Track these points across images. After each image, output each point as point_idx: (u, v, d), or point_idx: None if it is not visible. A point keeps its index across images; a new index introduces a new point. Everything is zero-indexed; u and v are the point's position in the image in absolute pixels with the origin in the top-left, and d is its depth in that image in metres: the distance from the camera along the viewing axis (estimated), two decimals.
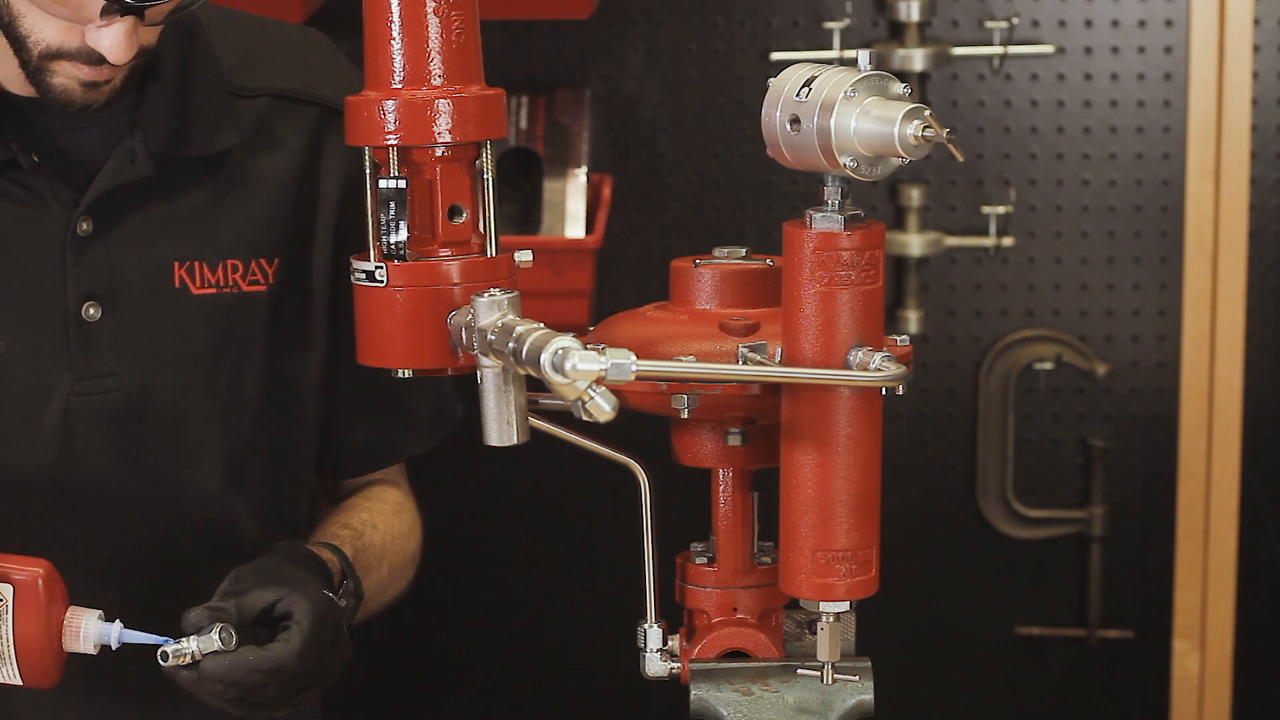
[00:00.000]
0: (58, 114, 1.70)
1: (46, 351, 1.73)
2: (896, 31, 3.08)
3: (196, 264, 1.77)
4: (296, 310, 1.82)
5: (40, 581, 1.61)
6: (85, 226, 1.72)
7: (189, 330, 1.77)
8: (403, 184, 1.53)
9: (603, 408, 1.31)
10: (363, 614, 1.79)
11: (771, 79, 1.40)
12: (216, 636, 1.58)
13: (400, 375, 1.56)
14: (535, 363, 1.32)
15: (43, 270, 1.72)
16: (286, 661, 1.60)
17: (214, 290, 1.77)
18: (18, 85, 1.69)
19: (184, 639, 1.59)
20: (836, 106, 1.34)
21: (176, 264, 1.76)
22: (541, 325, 1.37)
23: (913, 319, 3.15)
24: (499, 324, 1.41)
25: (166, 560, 1.79)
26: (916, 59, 3.03)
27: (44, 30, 1.62)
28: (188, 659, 1.58)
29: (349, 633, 1.71)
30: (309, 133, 1.81)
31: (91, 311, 1.73)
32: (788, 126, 1.37)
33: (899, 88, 1.36)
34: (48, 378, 1.73)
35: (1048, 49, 3.09)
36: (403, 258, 1.53)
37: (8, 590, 1.60)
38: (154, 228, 1.75)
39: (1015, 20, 3.08)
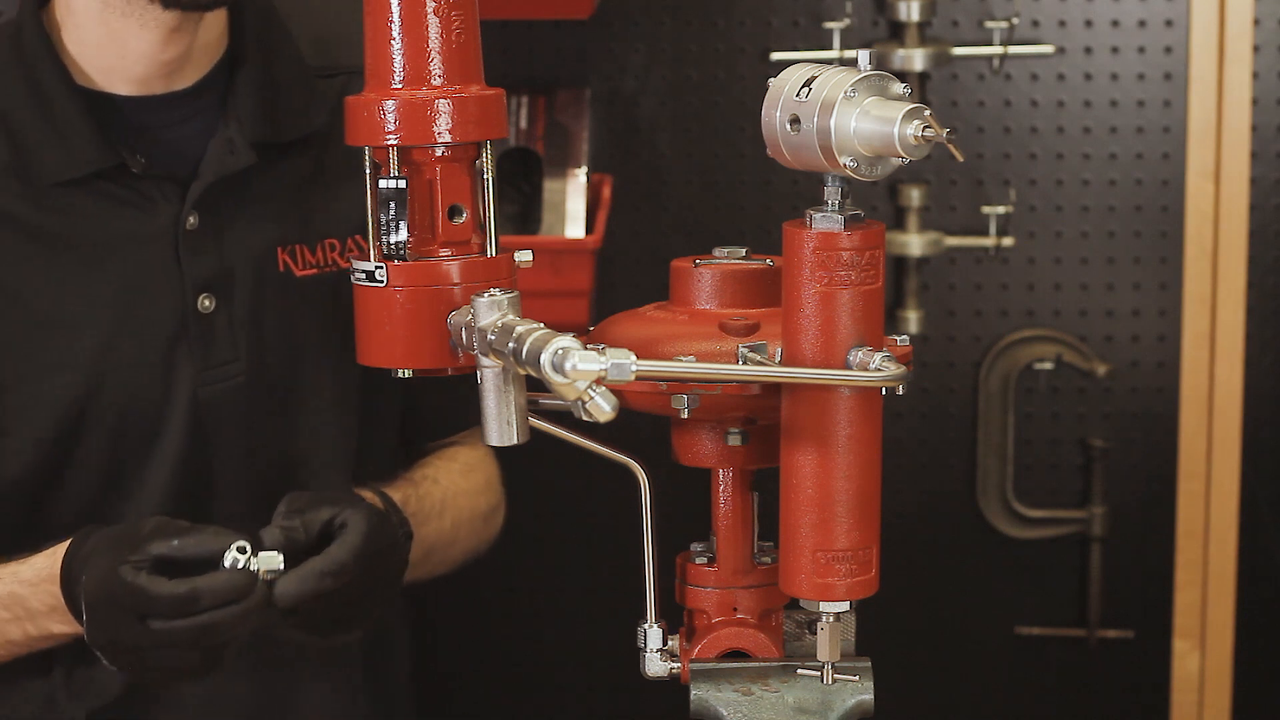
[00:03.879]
0: (159, 110, 1.74)
1: (169, 346, 1.75)
2: (896, 31, 3.08)
3: (298, 247, 1.81)
4: None
5: None
6: (193, 220, 1.75)
7: (296, 312, 1.80)
8: (403, 184, 1.53)
9: (603, 408, 1.31)
10: (431, 566, 1.83)
11: (771, 79, 1.40)
12: (279, 555, 1.57)
13: (400, 375, 1.56)
14: (535, 363, 1.32)
15: (157, 267, 1.75)
16: (347, 559, 1.60)
17: (315, 270, 1.82)
18: (120, 81, 1.71)
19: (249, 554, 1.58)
20: (836, 106, 1.34)
21: (280, 248, 1.80)
22: (541, 325, 1.37)
23: (913, 319, 3.15)
24: (499, 324, 1.41)
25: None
26: (916, 59, 3.03)
27: None
28: (243, 561, 1.56)
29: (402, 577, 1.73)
30: None
31: (206, 303, 1.76)
32: (788, 126, 1.37)
33: (899, 88, 1.36)
34: (173, 372, 1.76)
35: (1048, 49, 3.09)
36: (403, 258, 1.53)
37: None
38: (256, 214, 1.79)
39: (1015, 20, 3.08)
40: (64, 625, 1.65)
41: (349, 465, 1.86)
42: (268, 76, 1.78)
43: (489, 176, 1.56)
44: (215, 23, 1.76)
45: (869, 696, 1.52)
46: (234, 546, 1.56)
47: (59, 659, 1.79)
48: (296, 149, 1.80)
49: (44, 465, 1.74)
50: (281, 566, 1.57)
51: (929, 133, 1.31)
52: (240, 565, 1.56)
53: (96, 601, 1.57)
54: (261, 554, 1.57)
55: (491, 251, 1.56)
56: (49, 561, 1.65)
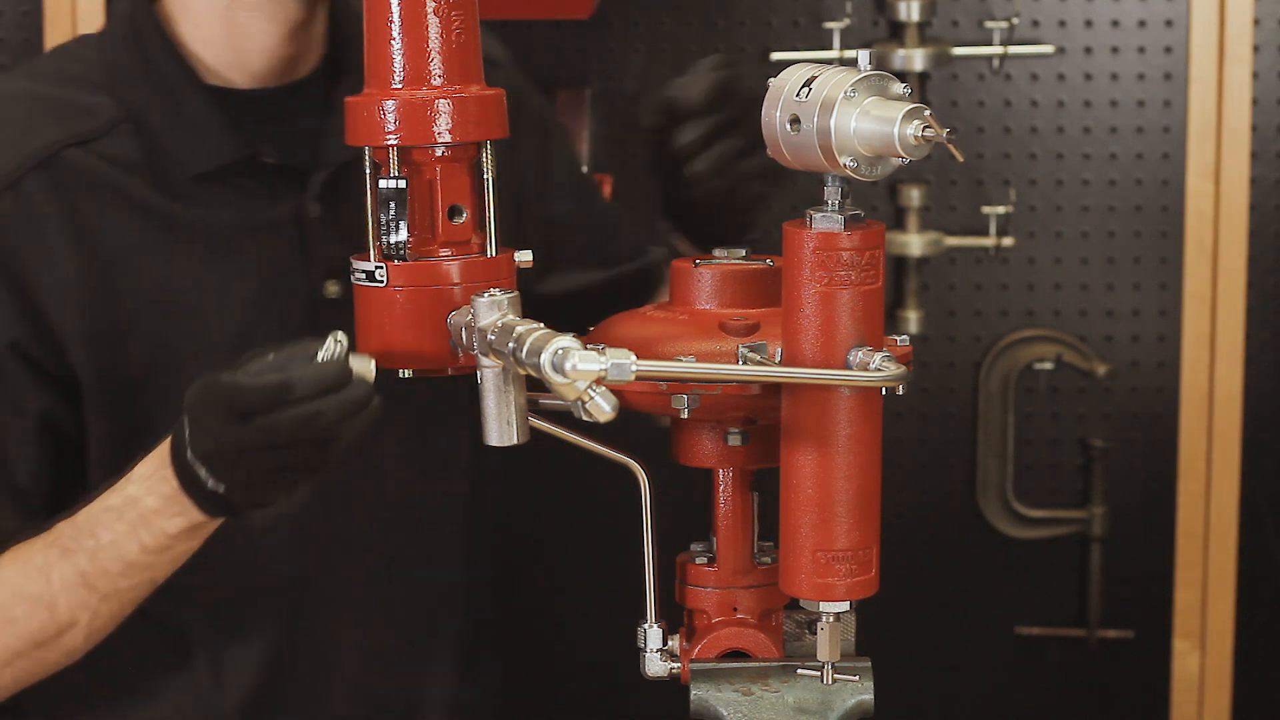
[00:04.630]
0: (278, 102, 1.77)
1: (300, 335, 1.75)
2: (896, 31, 3.08)
3: None
4: None
5: None
6: (316, 208, 1.76)
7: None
8: (403, 184, 1.53)
9: (603, 408, 1.31)
10: None
11: (771, 79, 1.40)
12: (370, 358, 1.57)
13: (401, 375, 1.56)
14: (535, 363, 1.33)
15: (287, 256, 1.77)
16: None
17: None
18: (239, 75, 1.75)
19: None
20: (836, 106, 1.34)
21: None
22: (541, 325, 1.37)
23: (913, 319, 3.15)
24: (499, 324, 1.42)
25: (413, 520, 1.83)
26: (916, 59, 3.03)
27: None
28: (336, 352, 1.54)
29: None
30: None
31: (333, 289, 1.78)
32: (788, 126, 1.37)
33: (899, 88, 1.36)
34: None
35: (1048, 49, 3.09)
36: (403, 258, 1.53)
37: None
38: (360, 196, 1.79)
39: (1015, 20, 3.07)
40: (179, 517, 1.63)
41: (462, 410, 1.88)
42: (358, 63, 1.81)
43: (489, 176, 1.56)
44: (323, 16, 1.80)
45: (869, 696, 1.52)
46: (331, 337, 1.54)
47: (201, 642, 1.79)
48: None
49: None
50: (373, 366, 1.54)
51: (929, 133, 1.31)
52: (334, 355, 1.54)
53: (196, 407, 1.57)
54: (354, 355, 1.54)
55: (491, 251, 1.56)
56: (159, 449, 1.64)
